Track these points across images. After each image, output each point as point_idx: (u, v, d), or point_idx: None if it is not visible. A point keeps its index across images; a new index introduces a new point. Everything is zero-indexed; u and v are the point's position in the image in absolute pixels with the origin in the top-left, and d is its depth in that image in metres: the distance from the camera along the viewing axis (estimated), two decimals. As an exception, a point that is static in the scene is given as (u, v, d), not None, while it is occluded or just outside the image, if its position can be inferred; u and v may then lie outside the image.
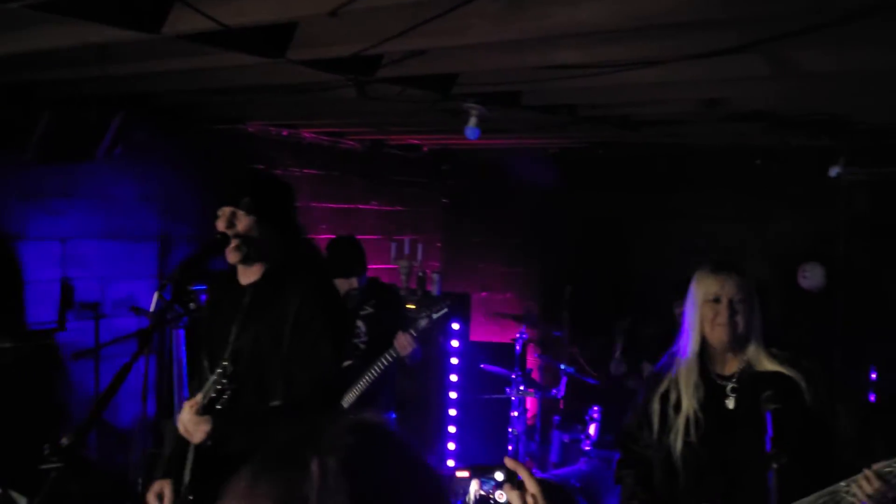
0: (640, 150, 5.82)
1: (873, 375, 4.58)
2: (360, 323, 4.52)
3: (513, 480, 1.31)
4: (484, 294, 6.71)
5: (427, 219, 6.78)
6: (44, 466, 1.84)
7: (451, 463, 5.77)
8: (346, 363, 4.45)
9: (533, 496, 1.27)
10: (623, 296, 6.02)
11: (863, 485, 2.26)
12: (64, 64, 3.21)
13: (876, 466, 2.26)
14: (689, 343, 2.59)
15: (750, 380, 2.52)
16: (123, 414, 4.61)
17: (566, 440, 4.80)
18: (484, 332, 6.37)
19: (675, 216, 5.84)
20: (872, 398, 4.60)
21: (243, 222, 2.55)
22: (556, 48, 2.59)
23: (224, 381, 2.49)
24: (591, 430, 4.60)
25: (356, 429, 0.94)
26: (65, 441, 1.92)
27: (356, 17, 2.32)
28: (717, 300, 2.52)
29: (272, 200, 2.62)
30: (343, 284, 4.55)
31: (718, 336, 2.53)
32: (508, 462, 1.29)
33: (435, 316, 4.20)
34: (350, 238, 4.81)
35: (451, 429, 5.79)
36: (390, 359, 4.22)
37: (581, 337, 5.60)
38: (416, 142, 6.32)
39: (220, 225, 2.56)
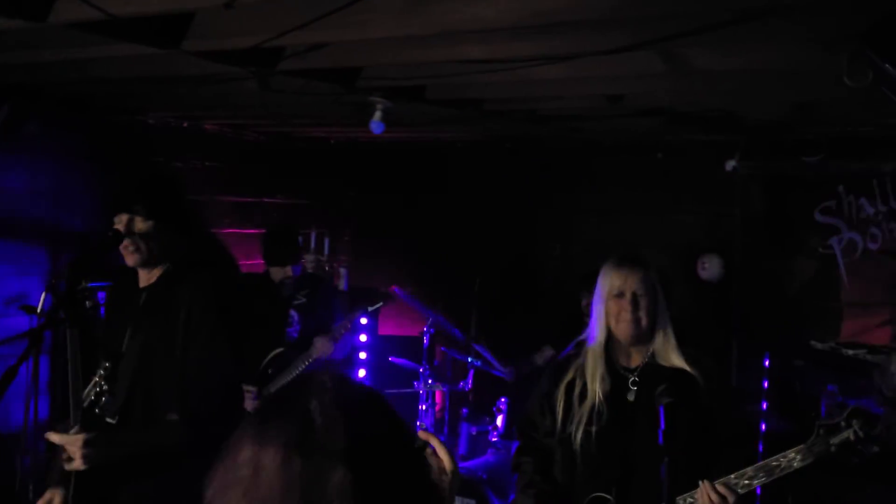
0: (546, 145, 5.90)
1: (766, 362, 4.77)
2: (293, 312, 4.53)
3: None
4: (394, 288, 6.69)
5: (334, 212, 6.72)
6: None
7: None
8: (278, 351, 4.42)
9: (443, 469, 1.28)
10: (530, 289, 6.10)
11: (702, 498, 2.35)
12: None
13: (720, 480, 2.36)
14: (595, 335, 2.64)
15: (651, 373, 2.58)
16: (13, 418, 4.40)
17: (473, 432, 4.83)
18: (392, 327, 6.35)
19: (580, 210, 5.94)
20: (766, 384, 4.79)
21: (140, 228, 2.48)
22: (460, 43, 2.59)
23: (102, 383, 2.42)
24: (499, 421, 4.65)
25: (331, 376, 1.12)
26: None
27: (255, 9, 2.27)
28: (620, 295, 2.58)
29: (168, 202, 2.55)
30: (278, 273, 4.58)
31: (623, 330, 2.58)
32: (421, 434, 1.29)
33: (371, 309, 4.23)
34: (285, 227, 4.85)
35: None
36: (310, 360, 4.20)
37: (487, 330, 5.64)
38: (322, 135, 6.24)
39: (120, 224, 2.49)
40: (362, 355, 5.79)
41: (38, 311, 4.51)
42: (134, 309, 2.56)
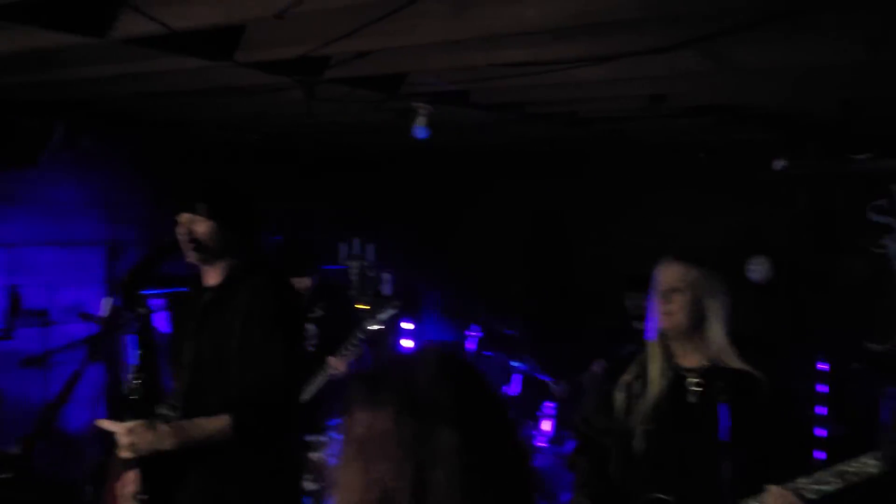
0: (587, 147, 5.89)
1: (822, 366, 4.68)
2: (309, 325, 4.46)
3: None
4: (435, 292, 6.72)
5: (380, 218, 6.79)
6: (-8, 477, 1.81)
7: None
8: None
9: None
10: (569, 292, 6.09)
11: (769, 501, 2.30)
12: (6, 70, 3.16)
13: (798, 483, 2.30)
14: (651, 333, 2.62)
15: (712, 374, 2.51)
16: (72, 422, 4.53)
17: (520, 436, 4.83)
18: (437, 332, 6.38)
19: (622, 213, 5.92)
20: (825, 389, 4.70)
21: (201, 228, 2.56)
22: (502, 47, 2.63)
23: (139, 374, 2.49)
24: (546, 426, 4.63)
25: (434, 345, 1.30)
26: (13, 451, 1.89)
27: (303, 19, 2.33)
28: (660, 290, 2.57)
29: (228, 204, 2.62)
30: (296, 284, 4.51)
31: (662, 325, 2.57)
32: None
33: (382, 317, 4.14)
34: (303, 237, 4.80)
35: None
36: (327, 378, 4.14)
37: (533, 336, 5.64)
38: (365, 142, 6.30)
39: (180, 231, 2.57)
40: (409, 343, 5.84)
41: (100, 318, 4.65)
42: (198, 307, 2.64)
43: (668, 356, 2.59)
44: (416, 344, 5.87)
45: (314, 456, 4.20)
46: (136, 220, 5.08)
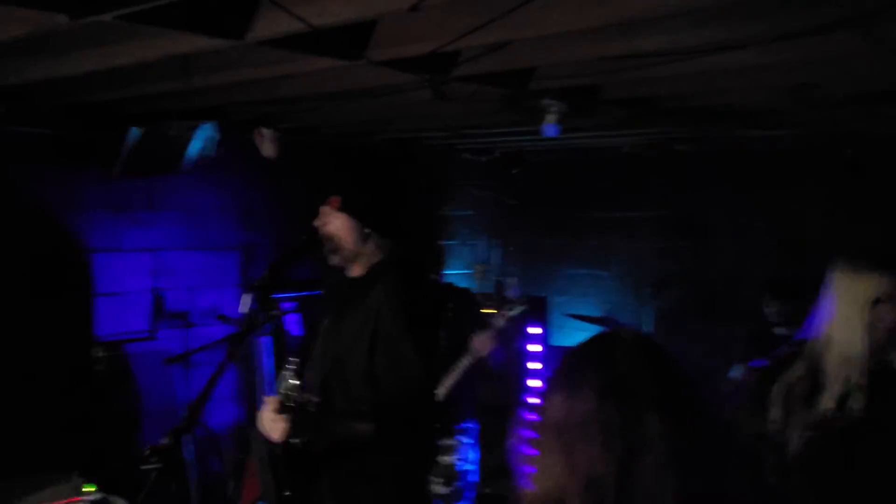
0: (720, 145, 5.65)
1: None
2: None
3: None
4: (561, 298, 6.61)
5: (496, 222, 6.74)
6: (144, 467, 1.86)
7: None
8: None
9: None
10: (707, 297, 5.85)
11: None
12: (148, 79, 3.29)
13: None
14: (847, 340, 2.42)
15: (884, 380, 2.36)
16: (213, 419, 4.70)
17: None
18: (562, 338, 6.26)
19: (759, 213, 5.64)
20: None
21: (336, 222, 2.56)
22: (638, 35, 2.52)
23: (294, 372, 2.51)
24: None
25: (627, 329, 1.23)
26: (163, 441, 1.94)
27: (434, 13, 2.30)
28: (871, 299, 2.38)
29: (365, 200, 2.61)
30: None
31: (887, 339, 2.37)
32: None
33: (511, 313, 4.15)
34: (428, 241, 4.83)
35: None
36: (471, 361, 4.18)
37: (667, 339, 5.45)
38: (486, 145, 6.28)
39: (317, 222, 2.59)
40: (535, 366, 5.75)
41: (238, 319, 4.81)
42: (337, 300, 2.65)
43: (852, 364, 2.40)
44: (544, 349, 5.77)
45: (444, 459, 4.19)
46: (268, 225, 5.22)
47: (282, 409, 2.46)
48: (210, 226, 5.00)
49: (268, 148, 4.07)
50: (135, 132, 4.15)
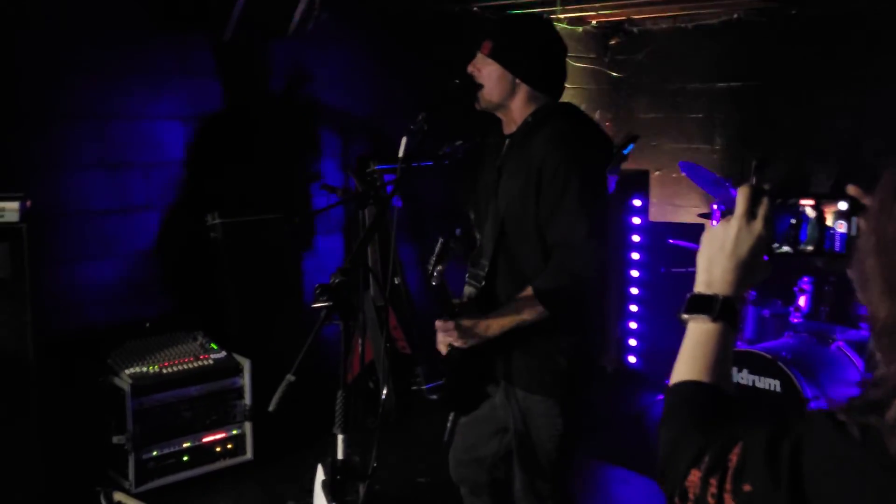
0: (835, 9, 5.27)
1: None
2: None
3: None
4: (657, 173, 6.44)
5: (595, 96, 6.53)
6: (314, 305, 1.84)
7: (632, 359, 5.69)
8: None
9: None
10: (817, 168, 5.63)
11: None
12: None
13: None
14: None
15: None
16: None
17: (766, 315, 4.58)
18: (659, 214, 6.14)
19: (875, 84, 5.31)
20: None
21: (486, 69, 2.45)
22: None
23: (480, 272, 2.47)
24: (802, 301, 4.34)
25: None
26: (333, 280, 1.92)
27: None
28: None
29: (521, 48, 2.46)
30: None
31: None
32: (851, 189, 1.18)
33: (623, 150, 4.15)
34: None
35: (633, 325, 5.68)
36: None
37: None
38: (583, 15, 6.01)
39: (470, 68, 2.48)
40: (636, 238, 5.67)
41: (339, 189, 4.80)
42: (497, 159, 2.54)
43: None
44: (643, 222, 5.67)
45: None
46: (372, 97, 5.14)
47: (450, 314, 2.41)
48: (312, 97, 4.93)
49: None
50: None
